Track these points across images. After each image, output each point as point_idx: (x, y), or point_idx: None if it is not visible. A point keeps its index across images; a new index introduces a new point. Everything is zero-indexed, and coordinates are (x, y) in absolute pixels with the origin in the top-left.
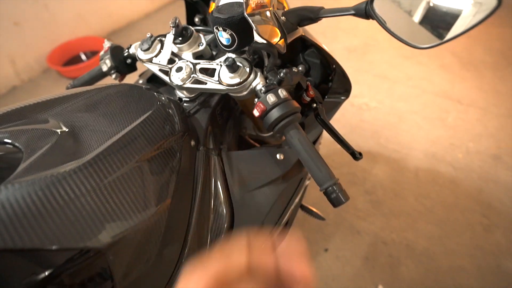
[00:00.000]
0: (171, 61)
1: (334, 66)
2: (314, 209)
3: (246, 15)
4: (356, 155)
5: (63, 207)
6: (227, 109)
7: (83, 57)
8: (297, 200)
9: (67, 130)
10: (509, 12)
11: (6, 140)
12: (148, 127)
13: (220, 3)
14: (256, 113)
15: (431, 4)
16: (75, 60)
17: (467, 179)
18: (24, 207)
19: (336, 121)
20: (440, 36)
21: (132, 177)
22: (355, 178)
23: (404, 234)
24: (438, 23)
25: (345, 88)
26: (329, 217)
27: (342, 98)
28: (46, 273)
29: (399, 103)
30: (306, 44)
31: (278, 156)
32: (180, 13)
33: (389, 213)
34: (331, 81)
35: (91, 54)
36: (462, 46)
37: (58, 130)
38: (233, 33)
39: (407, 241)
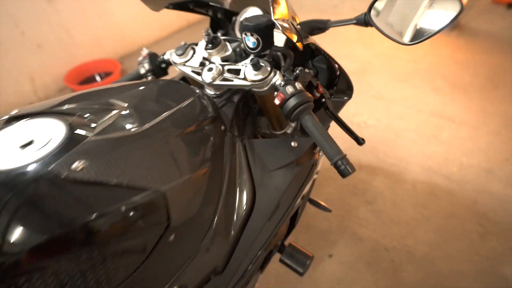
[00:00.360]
0: (202, 64)
1: (338, 71)
2: (321, 202)
3: (274, 20)
4: (359, 141)
5: (139, 157)
6: (247, 107)
7: (97, 78)
8: (307, 188)
9: (132, 107)
10: (493, 42)
11: (83, 112)
12: (190, 109)
13: (248, 15)
14: (277, 101)
15: (412, 13)
16: (90, 80)
17: (462, 191)
18: (113, 154)
19: (337, 137)
20: (421, 35)
21: (181, 143)
22: (356, 189)
23: (405, 241)
24: (418, 26)
25: (348, 90)
26: (332, 225)
27: (346, 98)
28: (126, 207)
29: (396, 121)
30: (314, 52)
31: (292, 143)
32: (188, 40)
33: (390, 221)
34: (336, 85)
35: (105, 75)
36: (451, 70)
37: (125, 105)
38: (258, 38)
39: (408, 248)
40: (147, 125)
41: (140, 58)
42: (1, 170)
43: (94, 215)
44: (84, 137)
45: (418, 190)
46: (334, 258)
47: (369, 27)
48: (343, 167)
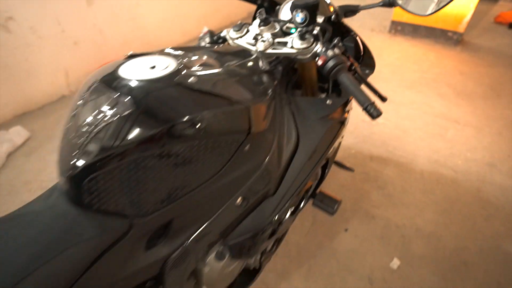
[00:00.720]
0: (255, 38)
1: (363, 49)
2: (345, 163)
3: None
4: (383, 98)
5: (229, 82)
6: (288, 75)
7: None
8: (336, 143)
9: (219, 55)
10: (495, 57)
11: (185, 55)
12: (256, 61)
13: (289, 5)
14: (319, 62)
15: None
16: None
17: (466, 180)
18: (212, 76)
19: (350, 133)
20: (439, 5)
21: (254, 78)
22: (368, 176)
23: (414, 220)
24: None
25: (371, 65)
26: (347, 205)
27: (368, 72)
28: (226, 110)
29: (404, 121)
30: (344, 34)
31: (328, 101)
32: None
33: (400, 204)
34: (361, 61)
35: None
36: (455, 80)
37: (215, 55)
38: (306, 13)
39: (417, 226)
40: (231, 65)
41: (201, 35)
42: (143, 79)
43: (204, 112)
44: (191, 66)
45: (426, 178)
46: (349, 232)
47: (393, 7)
48: (372, 110)
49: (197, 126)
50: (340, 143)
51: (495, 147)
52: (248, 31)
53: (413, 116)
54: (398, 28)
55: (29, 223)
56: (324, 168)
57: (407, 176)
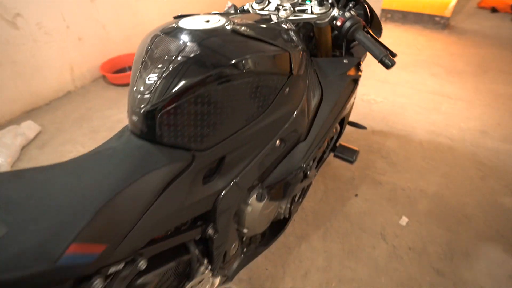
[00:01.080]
0: (276, 9)
1: (371, 15)
2: (357, 122)
3: None
4: (393, 53)
5: (270, 32)
6: (306, 40)
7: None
8: (351, 101)
9: (249, 16)
10: (481, 38)
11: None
12: (285, 23)
13: None
14: (338, 23)
15: None
16: (121, 71)
17: (462, 146)
18: (258, 27)
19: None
20: None
21: (284, 30)
22: (372, 148)
23: (417, 183)
24: None
25: (379, 29)
26: (355, 174)
27: (377, 33)
28: (271, 54)
29: (400, 98)
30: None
31: (344, 60)
32: None
33: (403, 170)
34: (370, 26)
35: None
36: (446, 60)
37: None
38: None
39: (420, 187)
40: (267, 23)
41: (226, 8)
42: (203, 28)
43: (256, 54)
44: (238, 21)
45: (425, 147)
46: (359, 197)
47: None
48: (387, 60)
49: (250, 65)
50: (353, 104)
51: (486, 117)
52: (269, 2)
53: (408, 94)
54: (388, 15)
55: (110, 156)
56: (341, 125)
57: (407, 146)
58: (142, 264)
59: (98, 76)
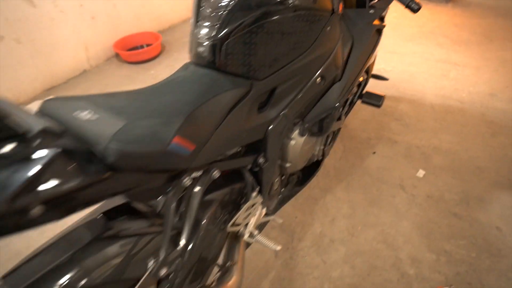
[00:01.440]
0: None
1: None
2: (379, 74)
3: None
4: (415, 7)
5: None
6: None
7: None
8: (375, 52)
9: None
10: (484, 9)
11: None
12: None
13: None
14: None
15: None
16: (135, 49)
17: (472, 108)
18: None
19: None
20: None
21: None
22: (385, 112)
23: (431, 141)
24: None
25: None
26: (371, 135)
27: None
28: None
29: (409, 67)
30: None
31: (370, 11)
32: None
33: (416, 130)
34: None
35: (146, 46)
36: (451, 31)
37: None
38: None
39: (434, 145)
40: None
41: None
42: None
43: None
44: None
45: (436, 109)
46: (377, 154)
47: None
48: (413, 5)
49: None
50: (375, 57)
51: (494, 81)
52: None
53: (416, 63)
54: None
55: (181, 83)
56: (367, 73)
57: (419, 109)
58: (215, 174)
59: (111, 55)
